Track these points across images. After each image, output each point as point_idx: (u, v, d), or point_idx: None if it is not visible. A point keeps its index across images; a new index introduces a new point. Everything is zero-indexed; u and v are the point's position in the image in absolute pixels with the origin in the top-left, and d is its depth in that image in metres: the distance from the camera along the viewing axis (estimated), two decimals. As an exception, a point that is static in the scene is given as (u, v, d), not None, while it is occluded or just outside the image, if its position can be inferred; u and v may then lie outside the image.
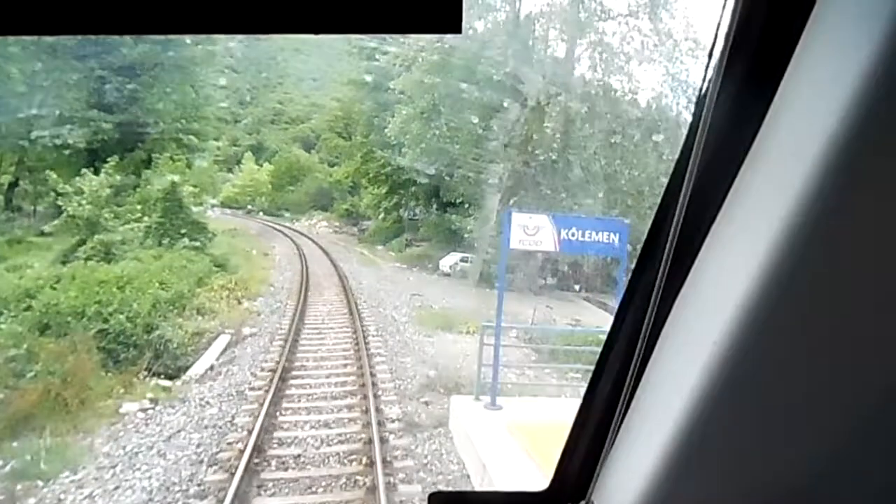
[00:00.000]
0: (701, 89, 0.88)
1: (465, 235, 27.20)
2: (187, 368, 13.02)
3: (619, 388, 1.08)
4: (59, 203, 22.12)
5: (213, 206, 38.43)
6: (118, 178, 24.15)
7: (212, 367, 12.37)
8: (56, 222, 22.30)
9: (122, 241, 21.57)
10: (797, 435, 0.97)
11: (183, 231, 21.83)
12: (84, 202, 21.68)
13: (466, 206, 27.05)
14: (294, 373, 11.65)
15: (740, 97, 0.85)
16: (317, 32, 0.56)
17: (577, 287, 27.30)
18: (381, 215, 35.62)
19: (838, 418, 0.94)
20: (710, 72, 0.84)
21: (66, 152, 23.24)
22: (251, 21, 0.56)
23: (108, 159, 24.20)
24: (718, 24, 0.82)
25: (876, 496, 1.02)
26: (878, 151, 0.73)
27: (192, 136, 29.74)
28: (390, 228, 34.95)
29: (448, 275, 27.05)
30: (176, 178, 23.00)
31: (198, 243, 21.83)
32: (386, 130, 28.89)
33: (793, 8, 0.78)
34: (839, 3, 0.75)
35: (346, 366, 12.16)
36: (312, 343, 13.62)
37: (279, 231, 38.41)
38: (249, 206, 49.14)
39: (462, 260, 27.45)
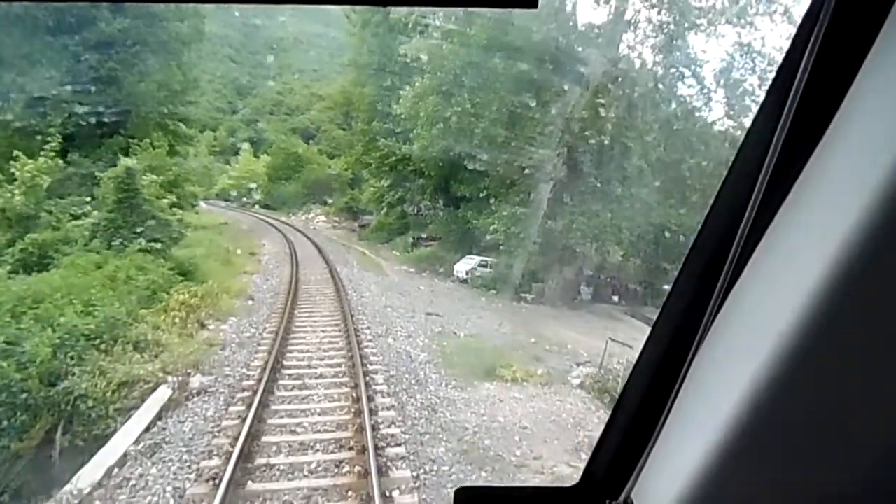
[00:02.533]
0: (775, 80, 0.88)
1: (488, 236, 22.75)
2: (102, 441, 8.55)
3: (660, 387, 1.05)
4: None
5: (204, 198, 36.29)
6: (66, 163, 20.10)
7: (123, 459, 7.72)
8: (-20, 217, 17.86)
9: (65, 240, 17.14)
10: (851, 442, 0.94)
11: (139, 229, 17.25)
12: (16, 192, 17.24)
13: (490, 200, 22.55)
14: (254, 483, 7.08)
15: (811, 92, 0.84)
16: (397, 5, 0.57)
17: (615, 298, 23.23)
18: (384, 210, 32.27)
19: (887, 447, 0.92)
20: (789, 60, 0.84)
21: (38, 138, 19.17)
22: None
23: (82, 146, 21.08)
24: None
25: None
26: None
27: (179, 122, 26.62)
28: (393, 224, 31.59)
29: (465, 282, 22.83)
30: (131, 162, 18.39)
31: (158, 245, 17.27)
32: (391, 111, 24.90)
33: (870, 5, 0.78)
34: None
35: (341, 466, 7.56)
36: (290, 408, 9.04)
37: (273, 226, 34.80)
38: (244, 199, 47.78)
39: (481, 265, 23.18)
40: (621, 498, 1.16)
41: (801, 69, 0.83)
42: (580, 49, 20.15)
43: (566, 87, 19.46)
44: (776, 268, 0.90)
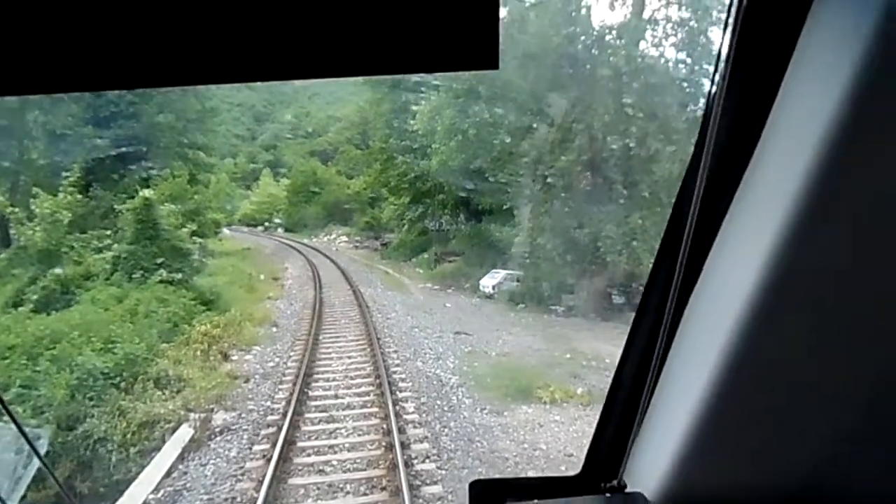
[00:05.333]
0: (710, 92, 0.96)
1: (513, 249, 22.15)
2: (124, 486, 8.10)
3: (641, 379, 1.12)
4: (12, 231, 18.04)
5: (228, 224, 36.70)
6: (88, 197, 20.12)
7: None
8: (3, 254, 17.86)
9: (87, 275, 16.98)
10: (818, 413, 1.04)
11: (159, 260, 16.99)
12: (36, 228, 17.19)
13: (512, 212, 22.00)
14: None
15: (745, 98, 0.91)
16: (351, 75, 0.56)
17: (648, 305, 22.39)
18: (405, 227, 31.70)
19: (855, 397, 1.01)
20: (718, 74, 0.89)
21: (61, 175, 19.36)
22: (282, 67, 0.56)
23: (103, 180, 21.15)
24: (725, 24, 0.87)
25: (889, 471, 1.09)
26: (877, 139, 0.79)
27: (198, 151, 26.85)
28: (416, 242, 30.94)
29: (491, 297, 22.14)
30: (149, 193, 18.19)
31: (179, 275, 16.99)
32: (408, 128, 24.57)
33: (791, 6, 0.83)
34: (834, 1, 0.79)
35: None
36: (317, 444, 8.51)
37: (295, 249, 34.69)
38: (266, 223, 48.01)
39: (508, 278, 22.51)
40: (615, 481, 1.23)
41: (725, 84, 0.87)
42: (600, 50, 19.59)
43: (586, 90, 18.88)
44: (729, 263, 0.99)
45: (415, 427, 9.05)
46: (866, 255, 0.88)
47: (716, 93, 0.89)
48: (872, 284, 0.91)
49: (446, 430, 9.14)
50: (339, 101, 58.34)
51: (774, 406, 1.05)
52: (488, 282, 22.89)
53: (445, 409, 10.00)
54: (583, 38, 19.57)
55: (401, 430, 8.70)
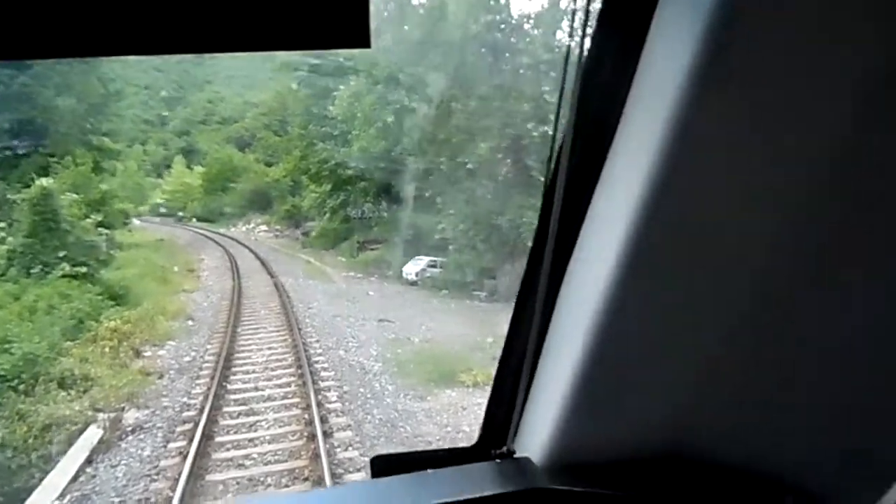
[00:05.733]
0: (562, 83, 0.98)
1: (436, 236, 22.28)
2: (26, 494, 7.61)
3: (529, 346, 1.18)
4: None
5: (138, 215, 34.93)
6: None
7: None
8: None
9: (-23, 273, 15.71)
10: (678, 375, 1.13)
11: (61, 254, 15.95)
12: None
13: (435, 199, 22.09)
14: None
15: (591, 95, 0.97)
16: (221, 51, 0.56)
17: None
18: (327, 215, 31.03)
19: (714, 358, 1.10)
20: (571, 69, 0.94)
21: None
22: (155, 40, 0.54)
23: None
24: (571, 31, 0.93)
25: (754, 408, 1.18)
26: (725, 114, 0.83)
27: (103, 137, 25.30)
28: (338, 230, 30.48)
29: (415, 283, 22.21)
30: (47, 182, 17.00)
31: (84, 268, 16.02)
32: (328, 114, 24.10)
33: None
34: None
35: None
36: (237, 439, 8.31)
37: (212, 239, 33.25)
38: (181, 213, 45.92)
39: (431, 265, 22.63)
40: (504, 448, 1.29)
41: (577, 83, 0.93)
42: (518, 38, 19.90)
43: (507, 78, 19.16)
44: (595, 240, 1.04)
45: (337, 416, 9.00)
46: (723, 224, 0.94)
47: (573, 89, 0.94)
48: (728, 250, 0.97)
49: (369, 417, 9.14)
50: (255, 86, 56.07)
51: (640, 368, 1.12)
52: (411, 269, 22.91)
53: (369, 396, 9.99)
54: (502, 26, 19.80)
55: (323, 420, 8.63)
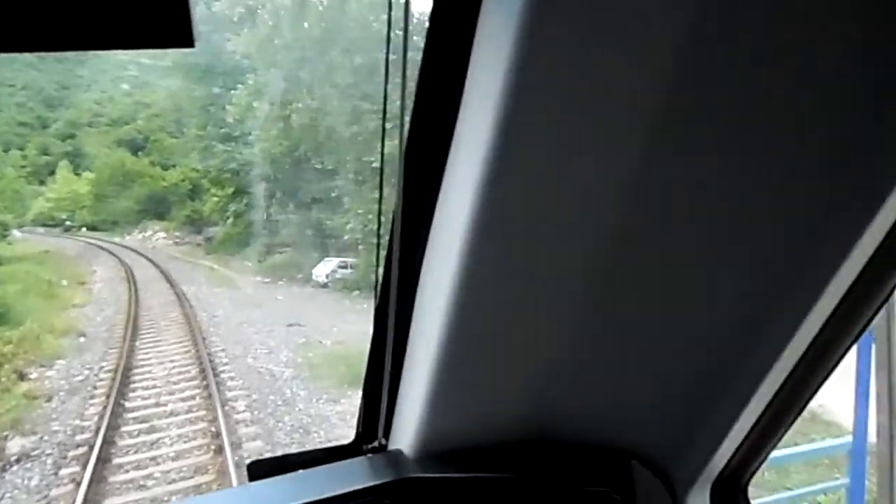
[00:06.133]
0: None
1: (345, 237, 22.04)
2: None
3: (384, 343, 1.22)
4: None
5: (19, 226, 32.36)
6: None
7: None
8: None
9: None
10: (528, 351, 1.15)
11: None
12: None
13: (342, 199, 21.84)
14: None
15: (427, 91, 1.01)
16: (27, 50, 0.53)
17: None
18: (231, 220, 29.97)
19: (566, 335, 1.13)
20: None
21: None
22: None
23: None
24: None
25: (604, 385, 1.23)
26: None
27: None
28: (243, 234, 29.55)
29: (325, 286, 21.88)
30: None
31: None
32: (226, 115, 23.24)
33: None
34: None
35: None
36: (137, 459, 7.84)
37: (105, 249, 31.01)
38: (68, 222, 42.88)
39: (341, 266, 22.35)
40: (377, 442, 1.31)
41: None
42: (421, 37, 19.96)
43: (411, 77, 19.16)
44: (446, 228, 1.05)
45: (246, 426, 8.71)
46: (559, 205, 0.94)
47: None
48: (563, 235, 0.98)
49: (280, 424, 8.91)
50: (145, 86, 53.11)
51: (493, 355, 1.14)
52: (321, 270, 22.52)
53: (279, 403, 9.74)
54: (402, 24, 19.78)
55: (231, 431, 8.34)
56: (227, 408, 9.12)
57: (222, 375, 10.72)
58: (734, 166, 0.91)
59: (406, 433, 1.27)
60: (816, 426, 8.30)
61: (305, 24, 19.33)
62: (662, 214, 0.97)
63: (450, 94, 0.96)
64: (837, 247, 0.92)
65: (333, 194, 22.07)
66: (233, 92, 22.56)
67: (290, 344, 13.40)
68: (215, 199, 30.35)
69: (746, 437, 1.21)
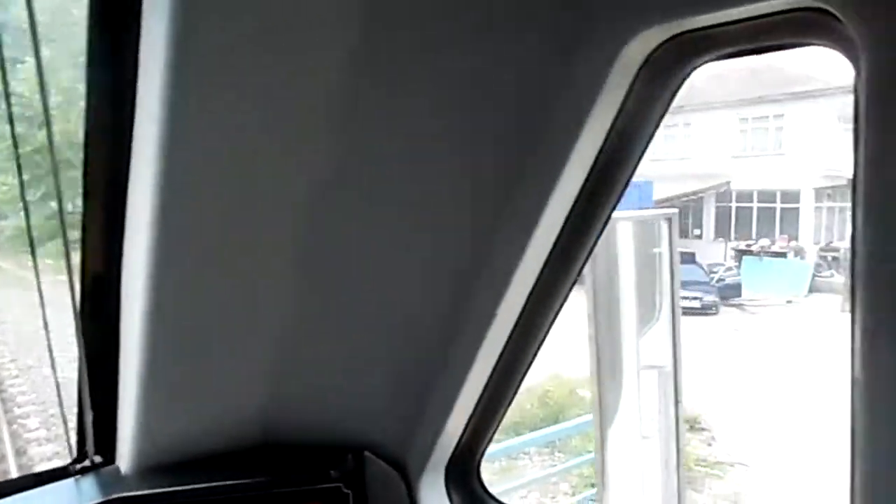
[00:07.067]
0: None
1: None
2: None
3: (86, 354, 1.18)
4: None
5: None
6: None
7: None
8: None
9: None
10: (241, 357, 1.14)
11: None
12: None
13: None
14: None
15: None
16: None
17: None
18: (25, 211, 26.13)
19: (266, 333, 1.12)
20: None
21: None
22: None
23: None
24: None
25: (326, 382, 1.23)
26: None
27: None
28: (42, 228, 25.43)
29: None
30: None
31: None
32: (14, 90, 20.25)
33: None
34: None
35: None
36: None
37: None
38: None
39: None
40: (87, 461, 1.23)
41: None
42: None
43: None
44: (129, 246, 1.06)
45: (40, 444, 7.67)
46: (244, 206, 0.96)
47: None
48: (256, 225, 0.98)
49: (85, 439, 7.94)
50: None
51: (205, 363, 1.13)
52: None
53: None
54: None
55: (20, 452, 7.28)
56: (13, 427, 7.99)
57: (11, 390, 9.45)
58: (417, 161, 0.96)
59: (125, 448, 1.21)
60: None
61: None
62: (354, 210, 1.00)
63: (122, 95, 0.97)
64: (526, 222, 0.96)
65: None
66: (19, 65, 19.83)
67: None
68: (4, 187, 26.52)
69: (471, 417, 1.23)
